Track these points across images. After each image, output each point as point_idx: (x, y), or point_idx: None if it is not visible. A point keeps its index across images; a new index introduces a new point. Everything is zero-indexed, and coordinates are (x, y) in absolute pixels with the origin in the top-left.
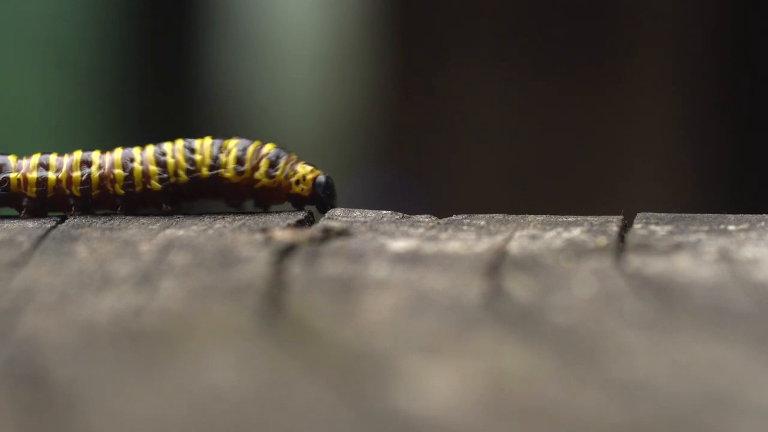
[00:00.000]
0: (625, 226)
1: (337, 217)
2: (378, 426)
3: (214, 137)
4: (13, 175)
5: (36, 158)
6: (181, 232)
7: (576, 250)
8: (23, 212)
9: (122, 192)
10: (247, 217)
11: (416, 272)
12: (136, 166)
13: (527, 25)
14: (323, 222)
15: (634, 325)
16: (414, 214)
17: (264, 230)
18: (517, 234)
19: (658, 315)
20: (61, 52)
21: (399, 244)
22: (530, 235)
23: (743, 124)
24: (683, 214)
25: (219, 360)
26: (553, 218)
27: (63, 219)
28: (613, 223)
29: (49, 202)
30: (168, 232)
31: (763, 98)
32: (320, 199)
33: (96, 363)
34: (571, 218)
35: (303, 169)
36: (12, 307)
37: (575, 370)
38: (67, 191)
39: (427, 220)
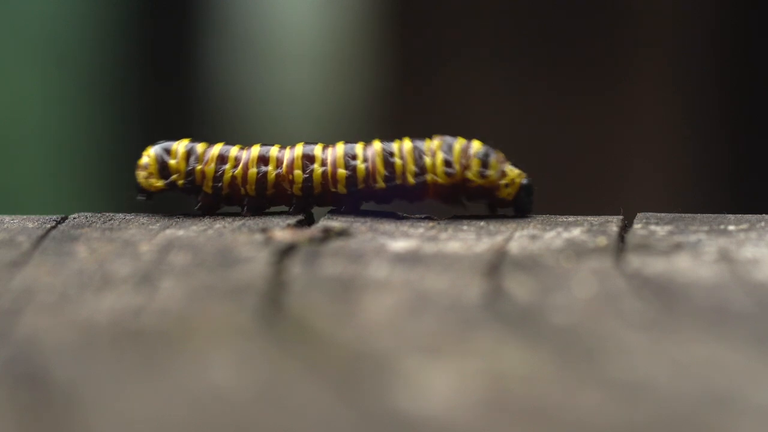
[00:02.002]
0: (625, 226)
1: (337, 217)
2: (378, 426)
3: (412, 139)
4: (198, 167)
5: (217, 150)
6: (181, 232)
7: (576, 250)
8: (197, 207)
9: (300, 193)
10: (247, 217)
11: (416, 272)
12: (316, 168)
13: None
14: (323, 222)
15: (634, 325)
16: (414, 215)
17: (264, 230)
18: (517, 234)
19: (658, 315)
20: (61, 52)
21: (399, 244)
22: (530, 235)
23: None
24: (683, 214)
25: (219, 360)
26: (553, 218)
27: (63, 219)
28: (613, 223)
29: (225, 198)
30: (168, 232)
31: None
32: (524, 204)
33: (96, 363)
34: (571, 218)
35: (511, 172)
36: (12, 307)
37: (575, 370)
38: (243, 190)
39: (427, 220)
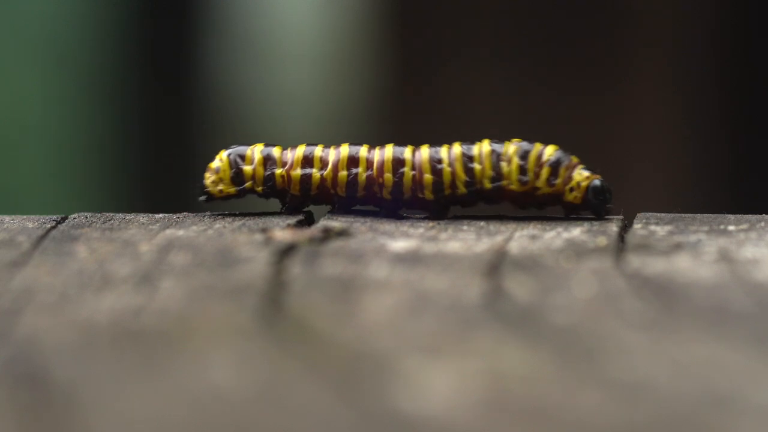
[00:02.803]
0: (625, 226)
1: (337, 217)
2: (378, 426)
3: (490, 142)
4: (278, 172)
5: (300, 152)
6: (181, 232)
7: (576, 250)
8: (284, 207)
9: (390, 197)
10: (247, 217)
11: (416, 272)
12: (406, 171)
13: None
14: (323, 222)
15: (634, 325)
16: (414, 215)
17: (264, 230)
18: (517, 234)
19: (658, 315)
20: (61, 52)
21: (399, 245)
22: (530, 235)
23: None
24: (683, 214)
25: (219, 360)
26: (553, 218)
27: (63, 219)
28: (613, 223)
29: (313, 198)
30: (168, 232)
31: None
32: (593, 205)
33: (96, 363)
34: (571, 218)
35: (579, 175)
36: (12, 307)
37: (575, 370)
38: (332, 191)
39: (427, 220)
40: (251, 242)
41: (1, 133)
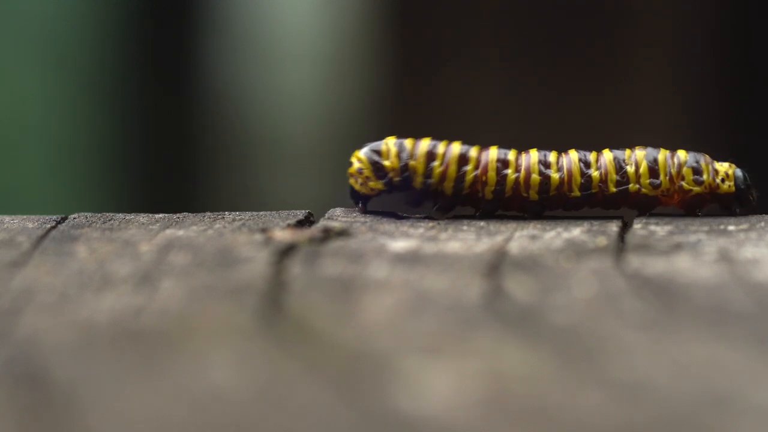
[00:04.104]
0: (625, 227)
1: (337, 217)
2: (378, 426)
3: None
4: (438, 167)
5: (456, 150)
6: (181, 232)
7: (576, 250)
8: (435, 208)
9: (536, 197)
10: (247, 217)
11: (416, 272)
12: (553, 175)
13: (527, 25)
14: (323, 222)
15: (634, 325)
16: (414, 215)
17: (264, 230)
18: (517, 234)
19: (658, 315)
20: (61, 52)
21: (399, 245)
22: (530, 235)
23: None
24: (683, 215)
25: (219, 360)
26: (553, 218)
27: (63, 219)
28: (613, 224)
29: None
30: (168, 232)
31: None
32: (743, 192)
33: (96, 363)
34: (571, 218)
35: (721, 166)
36: (12, 307)
37: (575, 370)
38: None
39: (427, 220)
40: (251, 242)
41: (1, 133)
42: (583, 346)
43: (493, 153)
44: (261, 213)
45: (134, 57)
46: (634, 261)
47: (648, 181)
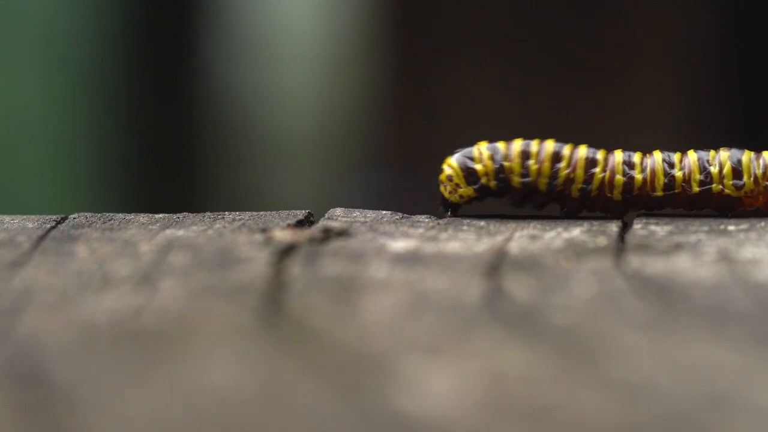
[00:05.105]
0: (625, 227)
1: (337, 217)
2: (378, 426)
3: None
4: (532, 164)
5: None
6: (180, 232)
7: (576, 251)
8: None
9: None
10: (247, 217)
11: (416, 272)
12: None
13: (527, 24)
14: (323, 222)
15: (634, 325)
16: (414, 215)
17: (264, 230)
18: (517, 234)
19: (658, 315)
20: (61, 52)
21: (399, 245)
22: (530, 236)
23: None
24: (683, 215)
25: (219, 360)
26: (552, 218)
27: (63, 219)
28: (613, 224)
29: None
30: (168, 232)
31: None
32: None
33: (96, 363)
34: (571, 218)
35: None
36: (12, 307)
37: (575, 370)
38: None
39: (427, 220)
40: (251, 242)
41: (1, 133)
42: (583, 346)
43: (582, 151)
44: (261, 213)
45: (134, 57)
46: (634, 261)
47: (731, 182)
